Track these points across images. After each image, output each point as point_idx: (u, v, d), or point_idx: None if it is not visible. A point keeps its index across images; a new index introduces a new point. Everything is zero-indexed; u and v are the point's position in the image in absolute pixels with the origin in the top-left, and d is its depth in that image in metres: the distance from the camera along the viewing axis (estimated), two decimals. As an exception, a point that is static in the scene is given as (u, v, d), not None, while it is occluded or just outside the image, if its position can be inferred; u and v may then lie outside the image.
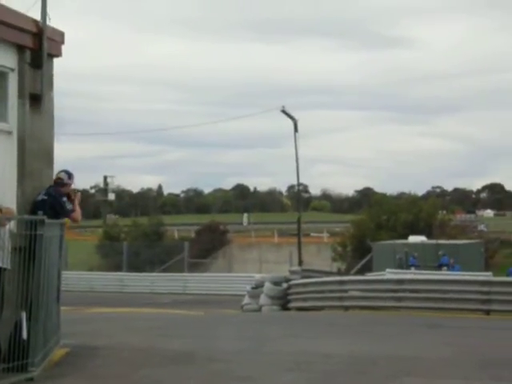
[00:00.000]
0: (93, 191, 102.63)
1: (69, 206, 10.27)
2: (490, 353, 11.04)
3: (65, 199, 10.24)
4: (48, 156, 10.71)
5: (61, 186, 10.34)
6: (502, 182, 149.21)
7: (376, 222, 50.80)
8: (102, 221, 70.97)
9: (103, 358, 10.26)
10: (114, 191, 75.19)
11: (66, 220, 10.73)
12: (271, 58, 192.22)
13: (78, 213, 10.45)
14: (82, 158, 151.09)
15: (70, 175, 10.48)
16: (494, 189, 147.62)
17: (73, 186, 10.56)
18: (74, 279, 37.47)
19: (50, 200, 10.09)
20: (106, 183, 73.08)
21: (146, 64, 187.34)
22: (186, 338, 13.13)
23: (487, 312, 19.69)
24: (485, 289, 19.87)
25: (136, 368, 9.38)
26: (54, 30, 10.70)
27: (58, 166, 10.90)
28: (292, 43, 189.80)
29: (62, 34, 10.97)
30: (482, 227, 65.49)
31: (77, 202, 10.46)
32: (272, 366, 9.61)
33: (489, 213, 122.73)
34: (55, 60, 10.95)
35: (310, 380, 8.64)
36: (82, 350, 10.77)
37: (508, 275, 31.01)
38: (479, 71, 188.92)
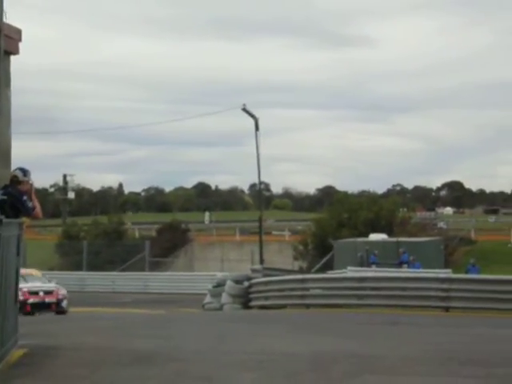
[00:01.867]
0: (52, 190, 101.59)
1: (30, 204, 10.11)
2: (449, 350, 11.12)
3: (25, 198, 10.10)
4: (5, 155, 10.56)
5: (16, 183, 10.19)
6: (461, 180, 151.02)
7: (337, 221, 50.96)
8: (62, 220, 70.30)
9: (62, 358, 10.14)
10: (73, 190, 74.48)
11: (24, 219, 10.60)
12: (232, 57, 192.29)
13: (39, 209, 10.31)
14: (41, 156, 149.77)
15: (25, 172, 10.31)
16: (454, 187, 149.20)
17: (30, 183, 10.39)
18: (33, 279, 36.99)
19: (11, 200, 9.95)
20: (65, 182, 72.36)
21: (107, 62, 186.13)
22: (146, 337, 13.04)
23: (446, 309, 19.89)
24: (444, 286, 20.08)
25: (95, 368, 9.29)
26: (11, 27, 10.55)
27: (17, 165, 10.74)
28: (253, 41, 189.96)
29: (19, 32, 10.81)
30: (441, 225, 66.13)
31: (34, 196, 10.32)
32: (233, 366, 9.57)
33: (448, 210, 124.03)
34: (12, 58, 10.81)
35: (271, 379, 8.61)
36: (41, 351, 10.63)
37: (467, 272, 31.32)
38: (439, 71, 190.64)
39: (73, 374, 8.93)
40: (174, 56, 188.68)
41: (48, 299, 24.81)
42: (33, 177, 10.48)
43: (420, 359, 10.07)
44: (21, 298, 19.92)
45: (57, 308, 24.71)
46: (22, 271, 24.38)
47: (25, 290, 24.00)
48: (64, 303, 25.02)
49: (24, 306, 23.00)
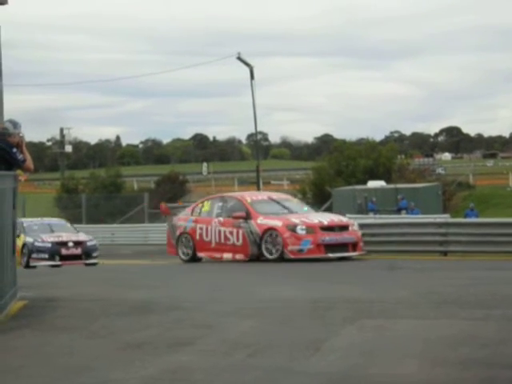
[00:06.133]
0: (49, 144, 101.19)
1: (20, 157, 10.01)
2: (447, 292, 11.16)
3: (15, 150, 9.98)
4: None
5: (7, 136, 10.07)
6: (459, 125, 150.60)
7: (336, 169, 50.90)
8: (60, 173, 70.23)
9: (61, 309, 10.18)
10: (70, 143, 74.18)
11: (19, 172, 10.54)
12: (226, 5, 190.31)
13: (29, 161, 10.18)
14: (38, 109, 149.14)
15: (15, 124, 10.19)
16: (452, 132, 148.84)
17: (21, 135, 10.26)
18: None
19: (0, 152, 9.85)
20: (62, 135, 71.99)
21: (100, 14, 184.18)
22: (145, 288, 13.07)
23: (445, 253, 19.95)
24: (442, 230, 20.10)
25: (94, 318, 9.33)
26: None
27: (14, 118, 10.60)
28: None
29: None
30: (439, 170, 66.19)
31: (25, 149, 10.20)
32: (232, 314, 9.62)
33: (446, 156, 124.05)
34: (2, 8, 10.66)
35: (269, 325, 8.66)
36: (41, 302, 10.69)
37: (465, 217, 31.38)
38: (435, 14, 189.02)
39: (71, 325, 8.98)
40: (168, 6, 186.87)
41: None
42: (30, 130, 10.40)
43: (418, 302, 10.11)
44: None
45: None
46: None
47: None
48: None
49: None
